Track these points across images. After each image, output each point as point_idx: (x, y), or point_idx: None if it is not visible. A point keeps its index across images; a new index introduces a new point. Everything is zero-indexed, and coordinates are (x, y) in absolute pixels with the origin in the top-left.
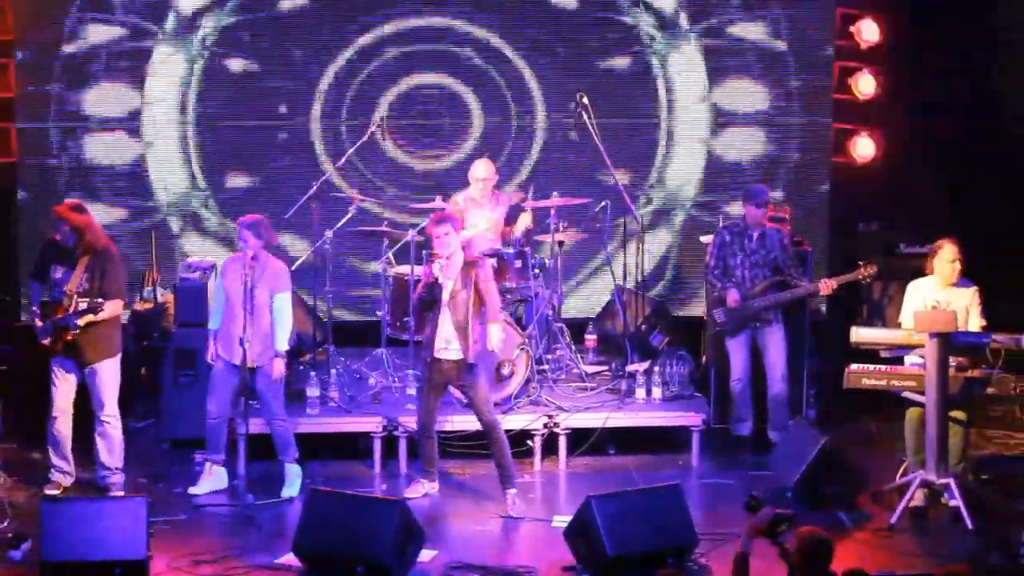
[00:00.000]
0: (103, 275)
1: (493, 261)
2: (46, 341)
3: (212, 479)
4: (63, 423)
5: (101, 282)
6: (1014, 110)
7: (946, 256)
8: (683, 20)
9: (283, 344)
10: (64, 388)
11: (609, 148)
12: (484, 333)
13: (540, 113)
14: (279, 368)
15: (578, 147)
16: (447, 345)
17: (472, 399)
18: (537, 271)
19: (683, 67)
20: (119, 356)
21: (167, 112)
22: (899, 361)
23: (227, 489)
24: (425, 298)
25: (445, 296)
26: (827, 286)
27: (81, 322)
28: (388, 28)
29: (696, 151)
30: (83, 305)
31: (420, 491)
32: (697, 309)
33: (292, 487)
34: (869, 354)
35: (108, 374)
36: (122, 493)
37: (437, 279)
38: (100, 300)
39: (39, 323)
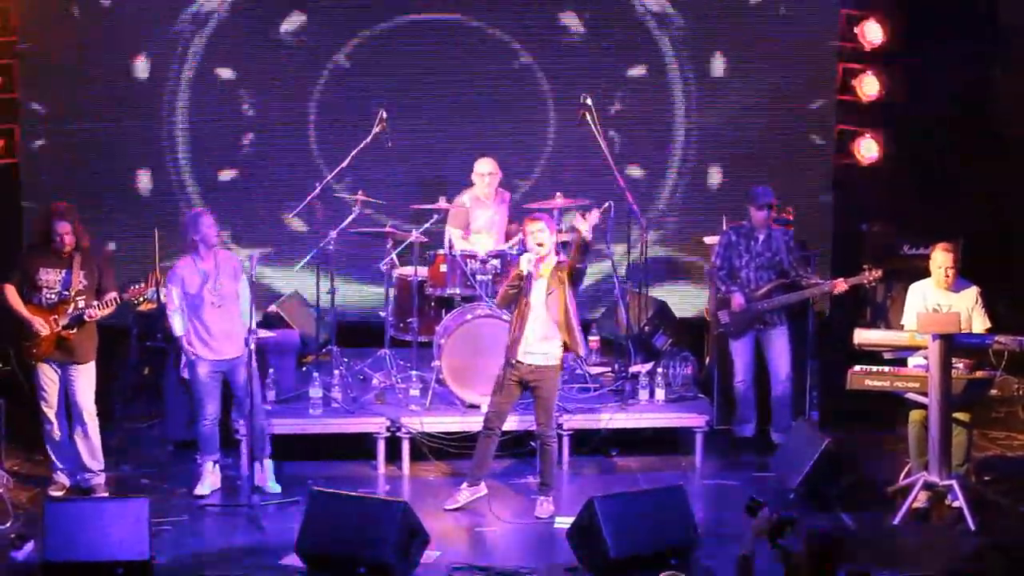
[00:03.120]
0: (102, 273)
1: (496, 262)
2: (44, 332)
3: (213, 477)
4: (61, 424)
5: (101, 279)
6: (1016, 111)
7: (936, 261)
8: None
9: (251, 321)
10: (53, 389)
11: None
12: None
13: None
14: (251, 344)
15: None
16: (531, 350)
17: (539, 404)
18: None
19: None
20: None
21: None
22: (902, 363)
23: (230, 489)
24: (512, 293)
25: (537, 297)
26: (840, 285)
27: (97, 315)
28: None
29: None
30: (81, 303)
31: (461, 500)
32: (700, 310)
33: (273, 482)
34: (872, 355)
35: (90, 375)
36: (107, 493)
37: (523, 273)
38: (115, 293)
39: (50, 328)
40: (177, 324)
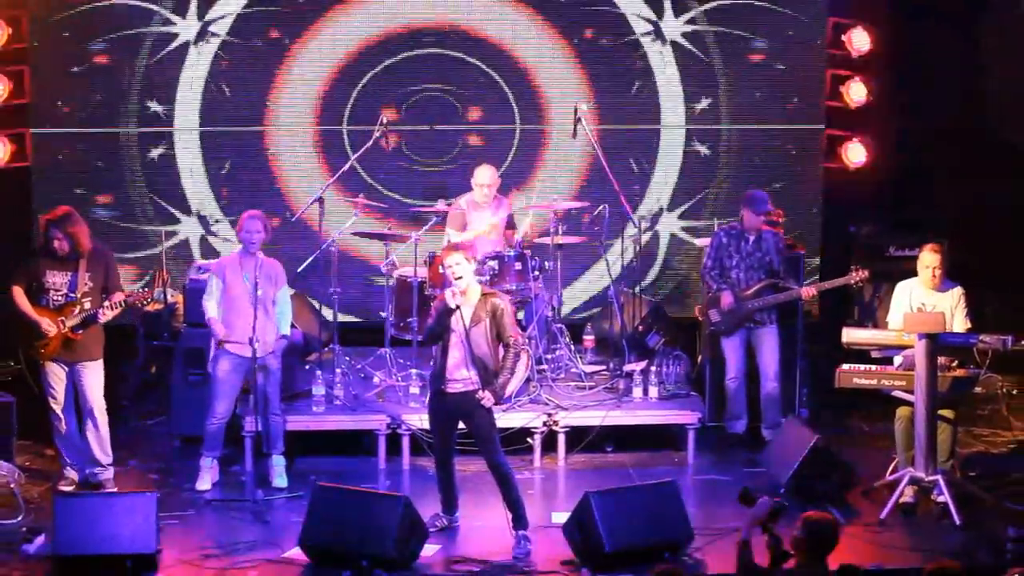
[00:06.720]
0: (107, 273)
1: (495, 263)
2: (52, 332)
3: (212, 472)
4: (70, 420)
5: (106, 280)
6: (1002, 115)
7: (924, 262)
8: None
9: (287, 329)
10: (60, 387)
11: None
12: (504, 380)
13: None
14: (281, 346)
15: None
16: (455, 377)
17: (478, 436)
18: (537, 273)
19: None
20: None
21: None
22: (889, 361)
23: (235, 484)
24: (435, 329)
25: (460, 327)
26: (808, 292)
27: (105, 317)
28: (393, 30)
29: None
30: (88, 304)
31: (439, 525)
32: (693, 310)
33: (282, 478)
34: (860, 354)
35: (98, 372)
36: (115, 488)
37: (449, 308)
38: (121, 294)
39: (57, 328)
40: (210, 307)
